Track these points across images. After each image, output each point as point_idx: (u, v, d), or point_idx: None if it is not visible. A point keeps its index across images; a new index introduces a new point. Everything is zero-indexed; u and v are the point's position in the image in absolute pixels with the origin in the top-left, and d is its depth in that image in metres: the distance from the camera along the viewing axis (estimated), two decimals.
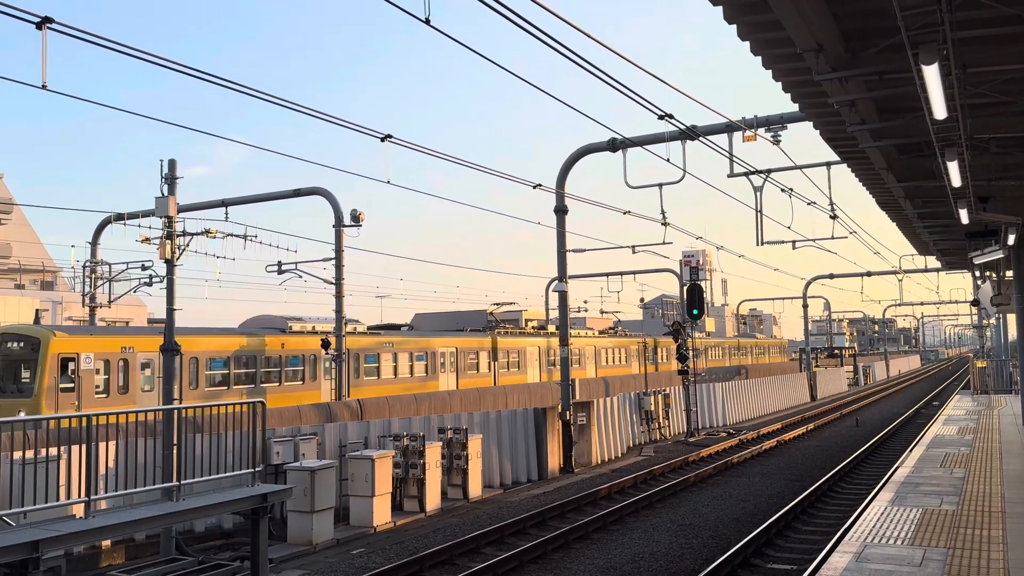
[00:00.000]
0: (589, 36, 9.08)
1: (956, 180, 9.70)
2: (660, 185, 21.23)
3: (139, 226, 15.92)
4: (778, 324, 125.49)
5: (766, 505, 16.78)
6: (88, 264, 32.05)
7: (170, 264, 14.18)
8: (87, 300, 32.44)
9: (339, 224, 25.06)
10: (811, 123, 11.32)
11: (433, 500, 16.68)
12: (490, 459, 19.87)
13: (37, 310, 35.49)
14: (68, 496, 12.25)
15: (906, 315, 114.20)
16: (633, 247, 23.75)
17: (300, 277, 26.28)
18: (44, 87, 7.59)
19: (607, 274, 43.33)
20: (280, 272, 26.57)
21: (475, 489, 18.04)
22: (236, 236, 15.47)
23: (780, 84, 10.14)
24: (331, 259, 25.29)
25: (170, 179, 14.16)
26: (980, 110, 9.26)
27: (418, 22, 6.93)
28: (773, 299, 77.84)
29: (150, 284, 25.64)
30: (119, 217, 21.10)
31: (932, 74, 5.77)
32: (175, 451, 13.39)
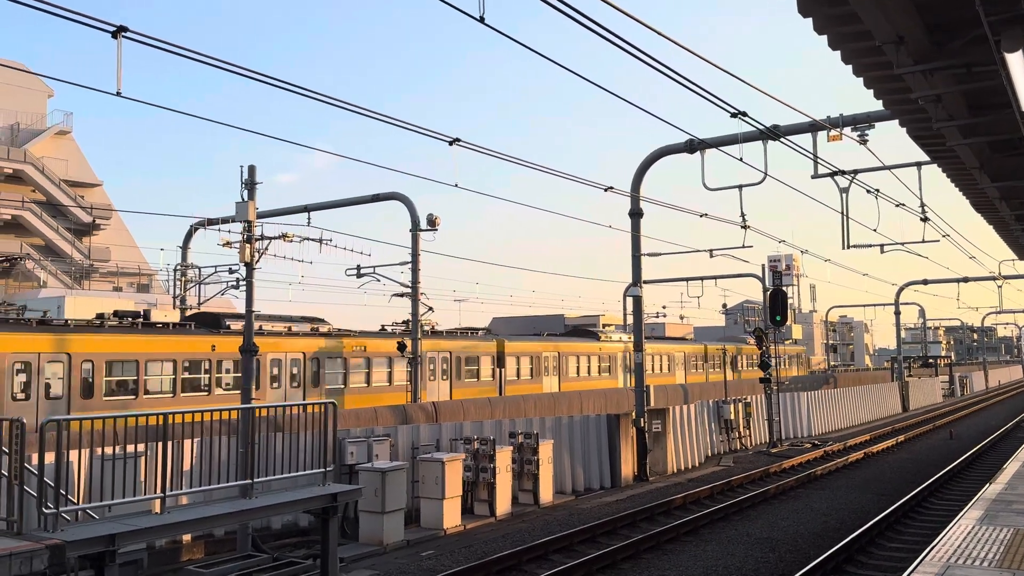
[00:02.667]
0: (661, 33, 8.87)
1: None
2: (740, 187, 20.69)
3: (228, 231, 16.40)
4: (869, 331, 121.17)
5: (849, 520, 16.11)
6: (179, 267, 33.35)
7: (249, 267, 14.54)
8: (177, 303, 33.77)
9: (416, 228, 25.33)
10: (898, 121, 10.79)
11: (503, 504, 16.61)
12: (562, 465, 19.70)
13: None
14: (147, 492, 12.71)
15: (1007, 323, 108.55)
16: (711, 251, 23.22)
17: (378, 280, 26.70)
18: (119, 94, 7.86)
19: (686, 279, 42.49)
20: (359, 276, 27.06)
21: (546, 495, 17.90)
22: (313, 240, 15.78)
23: (862, 80, 9.72)
24: (407, 263, 25.59)
25: (250, 184, 14.53)
26: None
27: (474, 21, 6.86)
28: (864, 306, 75.13)
29: (237, 287, 26.42)
30: (211, 222, 21.88)
31: (1016, 63, 5.36)
32: (250, 450, 13.73)
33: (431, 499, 15.26)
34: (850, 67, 9.39)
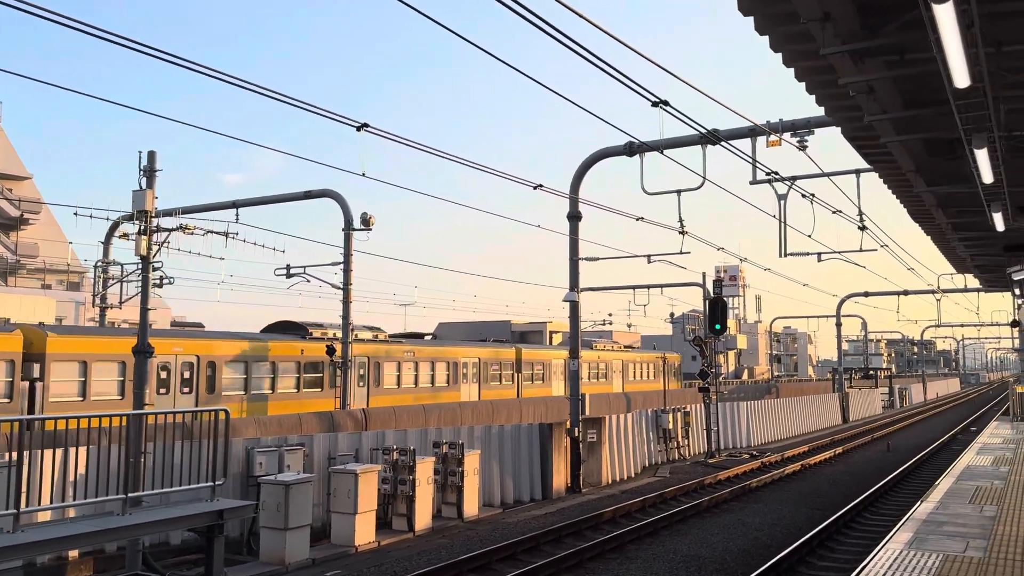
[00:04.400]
0: (583, 16, 8.13)
1: (987, 175, 8.56)
2: (678, 191, 20.13)
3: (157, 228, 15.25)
4: (813, 343, 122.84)
5: (781, 536, 15.55)
6: (99, 264, 31.75)
7: (146, 261, 13.45)
8: (97, 300, 32.15)
9: (348, 227, 24.34)
10: (829, 118, 10.21)
11: (423, 519, 15.71)
12: (491, 476, 18.88)
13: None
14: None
15: (946, 336, 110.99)
16: (648, 256, 22.68)
17: (308, 281, 25.64)
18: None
19: (632, 287, 42.07)
20: (288, 276, 25.96)
21: (471, 508, 17.04)
22: (216, 233, 14.76)
23: (793, 72, 9.11)
24: (340, 263, 24.57)
25: (149, 172, 13.45)
26: (1018, 101, 8.12)
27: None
28: (808, 317, 75.80)
29: (160, 285, 25.13)
30: (129, 217, 20.66)
31: (946, 16, 4.65)
32: (130, 461, 12.62)
33: (343, 514, 14.29)
34: (782, 57, 8.78)
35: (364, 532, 14.34)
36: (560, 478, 20.49)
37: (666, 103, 9.10)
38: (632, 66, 24.12)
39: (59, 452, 11.42)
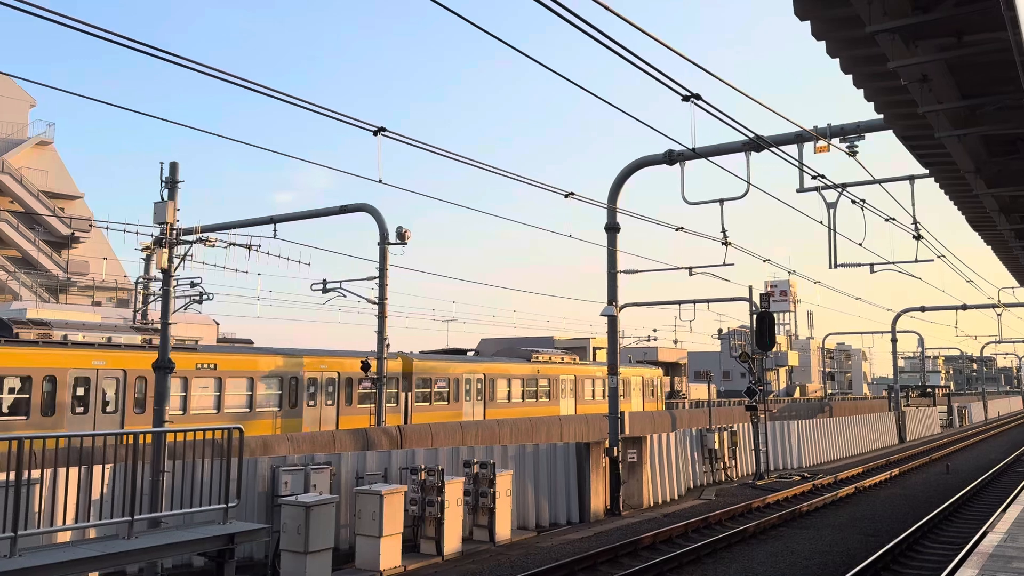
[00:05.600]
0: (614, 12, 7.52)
1: None
2: (721, 201, 19.29)
3: (210, 244, 14.97)
4: (868, 360, 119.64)
5: (832, 565, 14.59)
6: (141, 280, 31.92)
7: (167, 274, 13.13)
8: (138, 317, 32.29)
9: (384, 241, 23.97)
10: (880, 113, 9.42)
11: (452, 542, 15.07)
12: (525, 497, 18.18)
13: None
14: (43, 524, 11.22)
15: (1007, 353, 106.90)
16: (690, 268, 21.82)
17: (344, 296, 25.33)
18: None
19: (678, 302, 41.01)
20: (324, 291, 25.69)
21: (503, 531, 16.36)
22: (239, 246, 14.40)
23: (838, 62, 8.37)
24: (375, 277, 24.20)
25: (171, 183, 13.16)
26: None
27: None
28: (862, 333, 73.61)
29: (200, 301, 25.05)
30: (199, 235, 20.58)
31: None
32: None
33: (368, 536, 13.73)
34: (826, 46, 8.06)
35: (390, 556, 13.76)
36: (598, 500, 19.70)
37: (698, 97, 8.43)
38: (662, 63, 23.47)
39: (75, 471, 11.12)
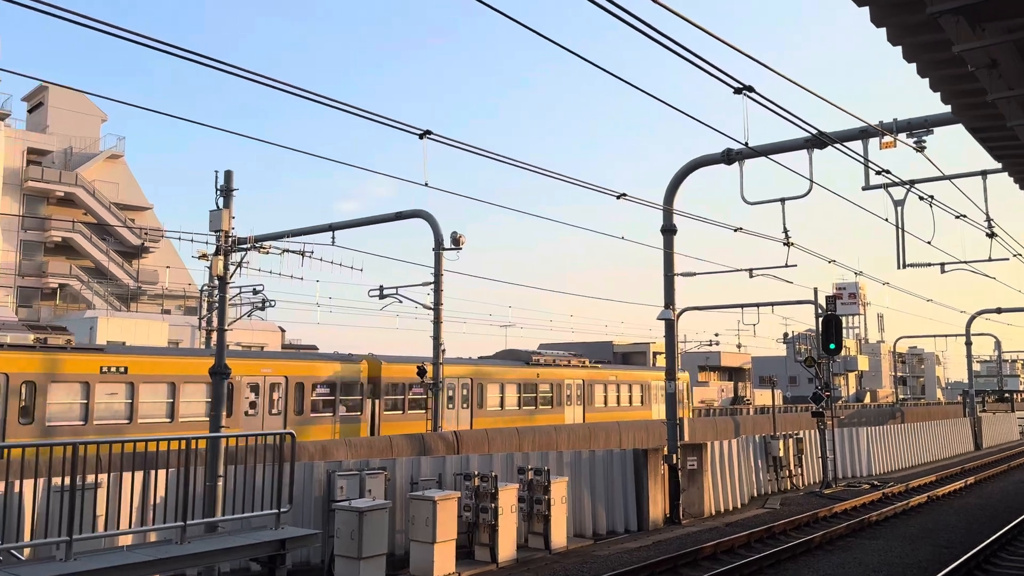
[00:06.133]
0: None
1: None
2: (782, 200, 18.74)
3: (249, 248, 15.24)
4: (941, 364, 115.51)
5: None
6: (205, 288, 32.66)
7: (222, 281, 13.29)
8: (203, 324, 33.06)
9: (439, 247, 24.02)
10: (948, 104, 8.94)
11: (507, 549, 14.89)
12: (581, 505, 17.90)
13: None
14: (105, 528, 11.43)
15: None
16: (751, 270, 21.27)
17: (400, 302, 25.45)
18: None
19: (740, 305, 40.17)
20: (381, 296, 25.86)
21: (559, 538, 16.11)
22: (292, 252, 14.52)
23: (901, 50, 7.96)
24: (430, 283, 24.26)
25: (225, 191, 13.33)
26: None
27: None
28: (935, 336, 70.96)
29: (263, 308, 25.48)
30: (239, 242, 20.94)
31: None
32: (217, 484, 12.39)
33: (421, 543, 13.66)
34: (887, 32, 7.67)
35: (443, 563, 13.65)
36: (657, 508, 19.29)
37: (751, 89, 8.11)
38: (711, 57, 22.67)
39: (136, 475, 11.30)
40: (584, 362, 36.51)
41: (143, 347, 26.44)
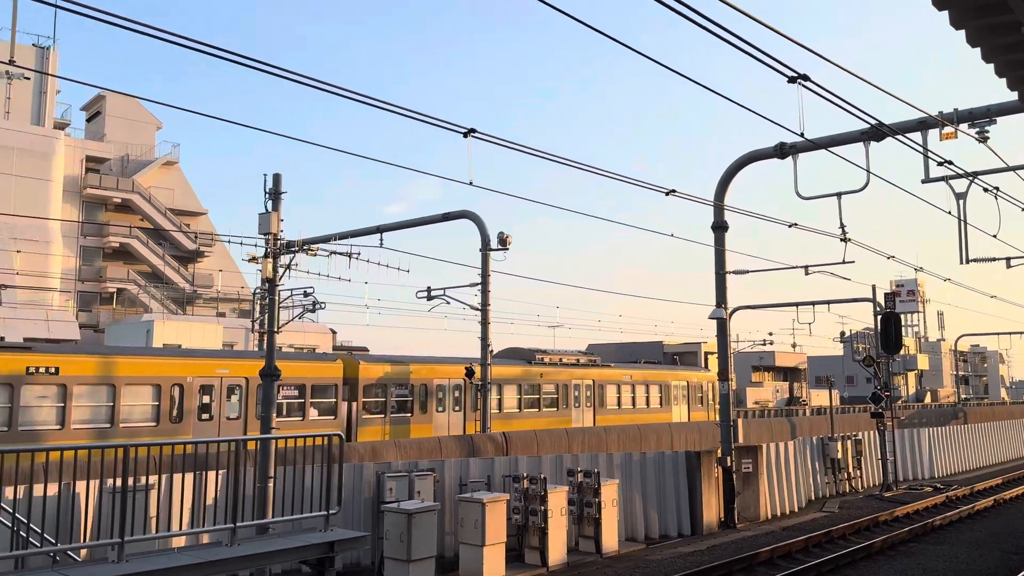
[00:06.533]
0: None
1: None
2: (838, 194, 18.19)
3: (300, 251, 15.34)
4: (1006, 362, 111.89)
5: None
6: (258, 291, 33.05)
7: (271, 283, 13.35)
8: (255, 326, 33.49)
9: (485, 248, 23.95)
10: (1013, 90, 8.50)
11: (557, 553, 14.69)
12: (633, 508, 17.61)
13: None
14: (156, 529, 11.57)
15: None
16: (806, 267, 20.70)
17: (448, 303, 25.42)
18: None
19: (795, 303, 39.32)
20: (429, 298, 25.86)
21: (610, 542, 15.86)
22: (340, 254, 14.53)
23: (964, 34, 7.57)
24: (477, 284, 24.18)
25: (274, 194, 13.39)
26: None
27: None
28: (998, 334, 68.70)
29: (313, 310, 25.68)
30: (289, 246, 21.11)
31: None
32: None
33: (470, 545, 13.54)
34: (949, 16, 7.30)
35: (493, 566, 13.52)
36: (711, 512, 18.89)
37: (805, 77, 7.79)
38: (765, 46, 22.01)
39: (187, 477, 11.39)
40: (595, 360, 34.35)
41: (78, 346, 25.34)
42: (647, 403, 35.80)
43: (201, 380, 21.47)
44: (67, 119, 54.71)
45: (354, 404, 24.44)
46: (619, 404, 34.03)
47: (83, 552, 10.06)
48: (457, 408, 27.34)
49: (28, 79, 48.45)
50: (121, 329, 42.60)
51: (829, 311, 42.07)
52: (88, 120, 56.59)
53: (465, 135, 9.65)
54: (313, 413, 23.74)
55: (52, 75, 48.11)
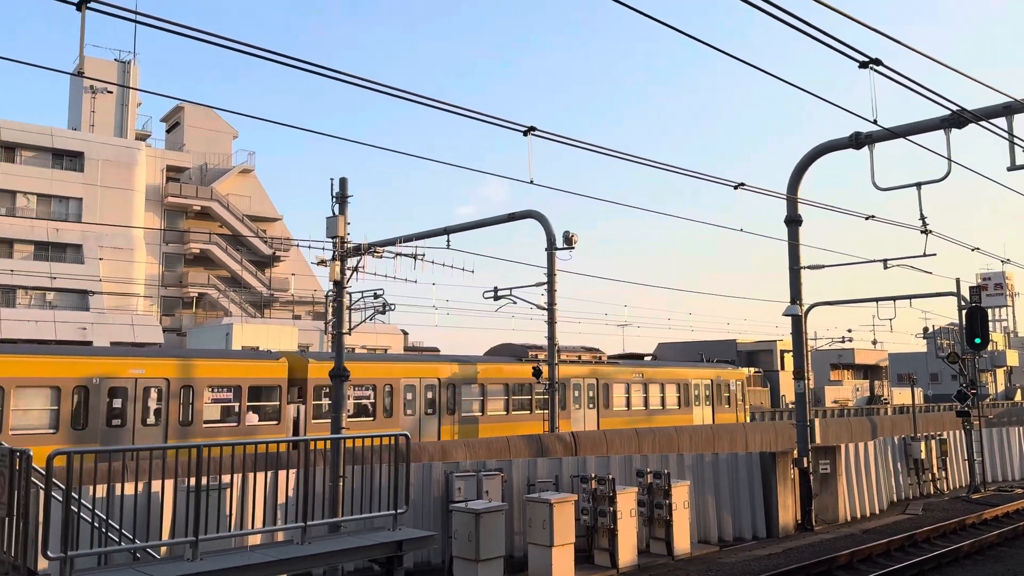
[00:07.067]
0: None
1: None
2: (918, 184, 17.51)
3: (372, 253, 15.57)
4: None
5: None
6: (330, 293, 33.71)
7: (339, 286, 13.54)
8: (328, 328, 34.12)
9: (551, 247, 23.86)
10: None
11: (627, 554, 14.50)
12: (705, 509, 17.28)
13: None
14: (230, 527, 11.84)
15: None
16: (884, 261, 19.97)
17: (514, 303, 25.42)
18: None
19: (875, 299, 38.09)
20: (496, 298, 25.90)
21: (682, 544, 15.58)
22: (405, 256, 14.65)
23: None
24: (543, 283, 24.10)
25: (341, 198, 13.58)
26: None
27: None
28: None
29: (383, 312, 25.99)
30: (356, 250, 21.45)
31: None
32: (339, 485, 12.60)
33: (539, 546, 13.46)
34: None
35: (562, 567, 13.41)
36: (787, 514, 18.39)
37: (878, 62, 7.46)
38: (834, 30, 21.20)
39: (261, 476, 11.62)
40: (600, 357, 30.96)
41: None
42: (662, 404, 32.30)
43: (113, 382, 19.24)
44: (148, 131, 56.80)
45: (302, 407, 21.93)
46: (628, 405, 30.94)
47: (163, 550, 10.36)
48: (430, 411, 24.79)
49: (111, 93, 50.46)
50: (202, 332, 43.94)
51: (911, 306, 40.55)
52: (168, 131, 58.63)
53: (525, 133, 9.60)
54: (253, 418, 21.20)
55: (133, 88, 50.09)
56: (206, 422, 20.46)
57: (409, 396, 24.50)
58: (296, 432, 21.48)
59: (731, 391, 36.14)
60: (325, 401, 22.06)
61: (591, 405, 29.56)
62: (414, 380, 24.59)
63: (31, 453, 7.93)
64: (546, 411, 25.69)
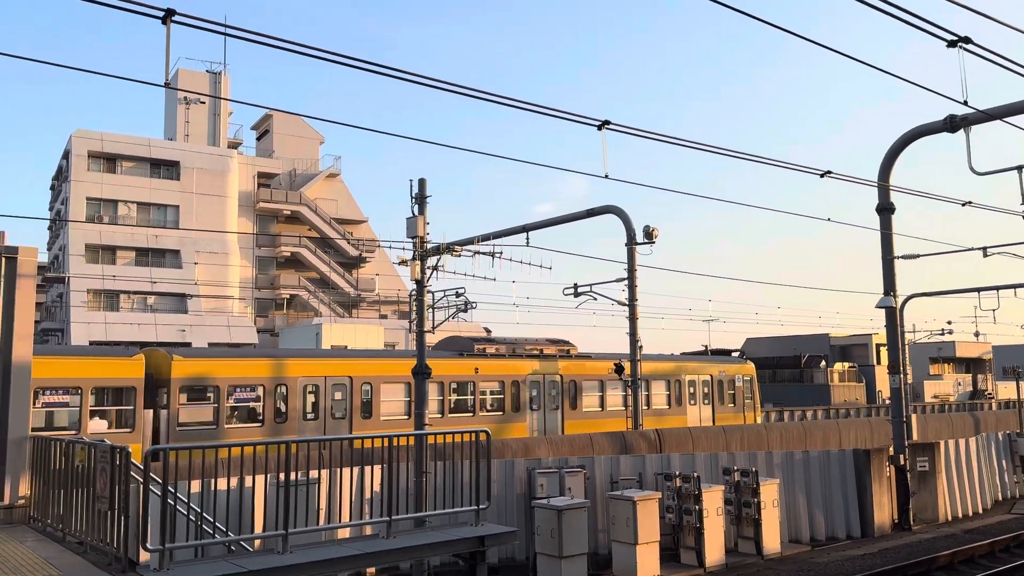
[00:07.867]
0: None
1: None
2: (1020, 167, 16.63)
3: (454, 251, 15.82)
4: None
5: None
6: (412, 293, 34.27)
7: (420, 284, 13.74)
8: (412, 327, 34.67)
9: (631, 242, 23.61)
10: None
11: (714, 553, 14.25)
12: (796, 508, 16.82)
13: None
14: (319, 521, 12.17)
15: None
16: (984, 249, 19.02)
17: (595, 299, 25.26)
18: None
19: (977, 289, 36.34)
20: (576, 295, 25.80)
21: (772, 543, 15.22)
22: (483, 254, 14.74)
23: None
24: (624, 279, 23.89)
25: (420, 199, 13.77)
26: None
27: None
28: None
29: (465, 310, 26.23)
30: (438, 249, 21.77)
31: None
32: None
33: (623, 543, 13.37)
34: None
35: (647, 565, 13.29)
36: (883, 513, 17.75)
37: (967, 40, 7.08)
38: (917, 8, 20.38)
39: (349, 472, 11.91)
40: (566, 351, 26.89)
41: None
42: (647, 403, 27.53)
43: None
44: (239, 139, 58.81)
45: (164, 412, 18.85)
46: (602, 405, 26.84)
47: (256, 543, 10.72)
48: (342, 416, 21.32)
49: (203, 103, 52.47)
50: (293, 332, 45.27)
51: (1016, 296, 38.53)
52: (258, 139, 60.61)
53: (599, 127, 9.54)
54: (100, 424, 18.09)
55: (223, 99, 51.94)
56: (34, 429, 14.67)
57: (313, 398, 21.22)
58: (156, 441, 18.46)
59: (735, 387, 31.90)
60: (193, 406, 19.26)
61: (554, 406, 25.82)
62: (318, 380, 21.16)
63: (129, 450, 8.33)
64: (492, 412, 23.69)
